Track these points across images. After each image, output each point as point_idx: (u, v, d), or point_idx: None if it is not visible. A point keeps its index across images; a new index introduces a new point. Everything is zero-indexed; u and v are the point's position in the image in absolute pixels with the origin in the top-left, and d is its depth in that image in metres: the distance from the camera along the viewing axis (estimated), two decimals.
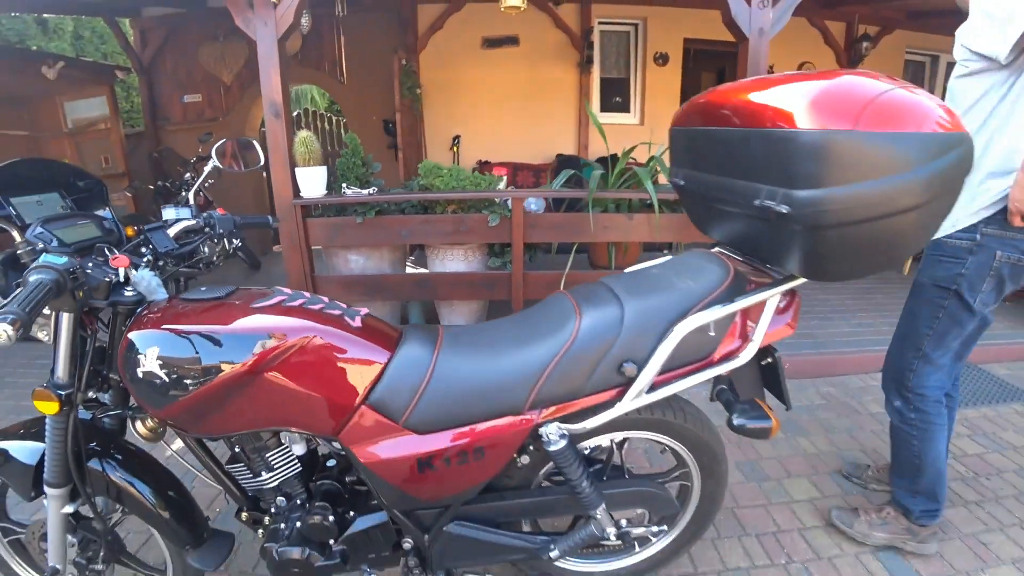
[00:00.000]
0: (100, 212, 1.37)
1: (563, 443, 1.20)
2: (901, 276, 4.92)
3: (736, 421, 1.19)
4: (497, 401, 1.19)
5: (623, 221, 2.73)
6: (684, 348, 1.17)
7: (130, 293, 1.15)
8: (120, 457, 1.31)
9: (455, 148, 5.43)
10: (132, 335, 1.12)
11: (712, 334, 1.16)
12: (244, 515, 1.38)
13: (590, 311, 1.21)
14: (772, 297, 1.15)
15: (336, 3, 4.59)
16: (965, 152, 0.95)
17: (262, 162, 2.02)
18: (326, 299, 1.31)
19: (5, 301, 0.93)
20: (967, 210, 1.57)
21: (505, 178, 4.67)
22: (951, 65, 5.87)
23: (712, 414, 1.50)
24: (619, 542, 1.43)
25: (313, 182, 2.97)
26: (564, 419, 1.22)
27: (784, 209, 0.96)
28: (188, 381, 1.11)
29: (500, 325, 1.35)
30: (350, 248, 3.17)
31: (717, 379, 1.32)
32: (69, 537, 1.35)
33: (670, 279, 1.24)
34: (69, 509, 1.29)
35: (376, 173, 3.28)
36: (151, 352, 1.10)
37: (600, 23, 5.72)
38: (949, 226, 1.61)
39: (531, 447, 1.27)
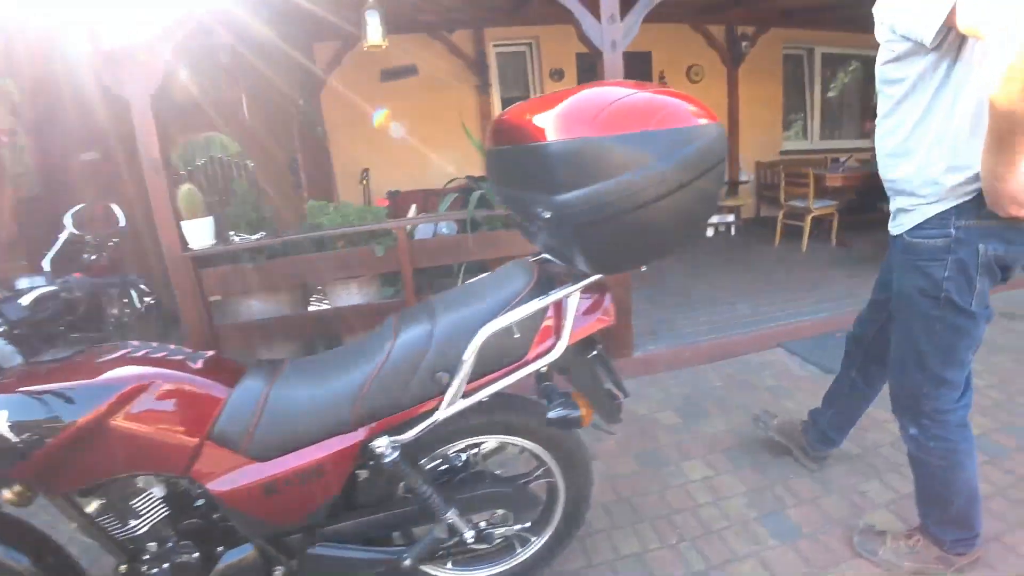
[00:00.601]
0: None
1: (395, 455, 1.29)
2: (802, 253, 5.25)
3: (548, 415, 1.29)
4: (324, 422, 1.28)
5: (505, 236, 2.83)
6: (493, 352, 1.25)
7: None
8: None
9: (364, 182, 5.46)
10: None
11: (517, 336, 1.24)
12: (123, 568, 1.39)
13: (405, 329, 1.31)
14: (572, 295, 1.25)
15: (223, 50, 4.58)
16: (709, 141, 1.08)
17: (122, 223, 2.01)
18: (172, 346, 1.41)
19: None
20: (929, 202, 1.40)
21: (414, 207, 4.72)
22: (825, 56, 6.34)
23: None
24: (484, 544, 1.51)
25: (200, 233, 2.96)
26: (393, 432, 1.30)
27: (547, 215, 1.06)
28: (39, 438, 1.16)
29: (337, 352, 1.43)
30: (248, 294, 3.15)
31: (541, 376, 1.40)
32: None
33: (482, 291, 1.34)
34: None
35: (272, 215, 3.29)
36: (1, 416, 1.14)
37: (495, 45, 5.91)
38: (916, 219, 1.43)
39: (371, 462, 1.32)
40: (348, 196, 5.72)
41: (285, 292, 3.26)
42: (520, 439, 1.46)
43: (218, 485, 1.26)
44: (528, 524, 1.58)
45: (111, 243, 5.01)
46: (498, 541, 1.55)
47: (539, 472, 1.58)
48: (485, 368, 1.27)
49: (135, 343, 1.39)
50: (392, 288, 3.08)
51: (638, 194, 1.04)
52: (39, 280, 1.59)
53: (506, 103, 6.12)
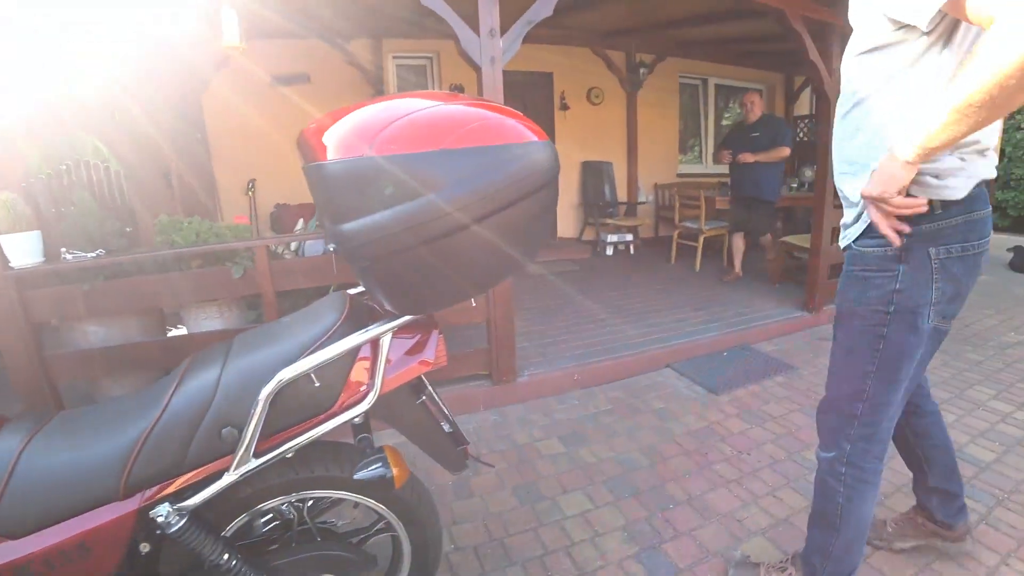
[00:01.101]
0: None
1: (182, 523, 1.08)
2: (695, 272, 5.42)
3: (355, 474, 1.12)
4: (88, 490, 1.06)
5: None
6: (293, 402, 1.07)
7: None
8: None
9: (251, 193, 5.07)
10: None
11: (318, 384, 1.06)
12: None
13: (190, 377, 1.10)
14: (385, 335, 1.08)
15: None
16: (531, 161, 0.94)
17: None
18: None
19: None
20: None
21: (301, 221, 4.40)
22: (719, 87, 6.61)
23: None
24: None
25: (24, 249, 2.55)
26: (176, 497, 1.09)
27: (331, 247, 0.90)
28: None
29: (113, 403, 1.20)
30: (85, 319, 2.75)
31: (359, 427, 1.23)
32: None
33: (284, 330, 1.15)
34: None
35: (119, 229, 2.91)
36: None
37: (395, 57, 5.74)
38: (862, 227, 1.31)
39: (156, 531, 1.10)
40: (233, 209, 5.30)
41: (134, 316, 2.88)
42: (347, 493, 1.27)
43: None
44: None
45: None
46: None
47: (380, 526, 1.40)
48: (284, 421, 1.08)
49: None
50: (255, 312, 2.80)
51: (437, 223, 0.89)
52: None
53: None
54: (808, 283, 4.24)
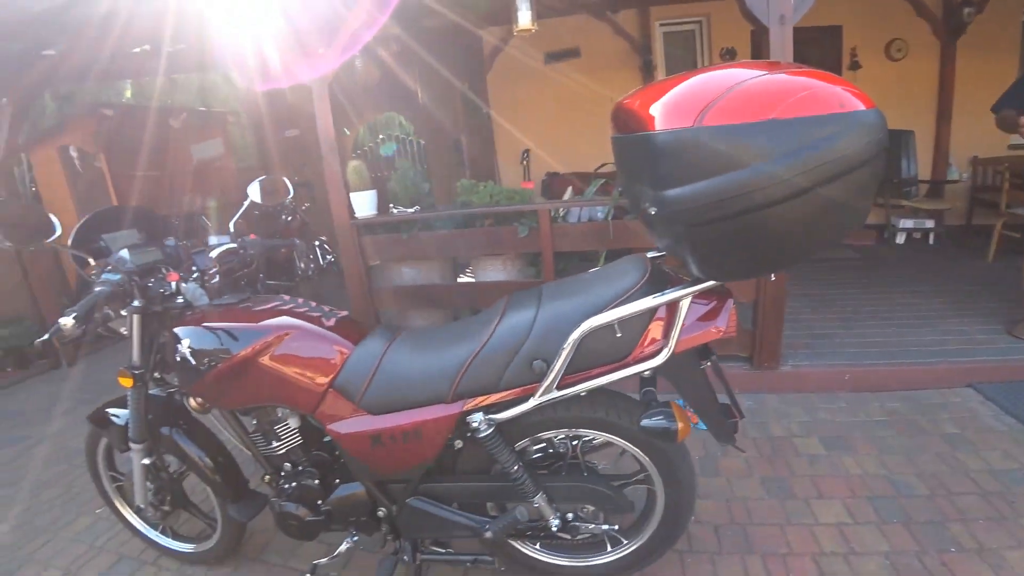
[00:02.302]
0: (167, 241, 1.82)
1: (489, 431, 1.34)
2: (1022, 275, 4.26)
3: (641, 421, 1.22)
4: (427, 390, 1.37)
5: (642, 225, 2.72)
6: (594, 348, 1.22)
7: (180, 300, 1.61)
8: (185, 426, 1.77)
9: (525, 162, 5.60)
10: (175, 330, 1.53)
11: (619, 335, 1.18)
12: (267, 478, 1.71)
13: (510, 314, 1.33)
14: (684, 299, 1.15)
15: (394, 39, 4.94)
16: (860, 131, 0.92)
17: (290, 195, 2.33)
18: (314, 303, 1.65)
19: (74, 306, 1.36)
20: None
21: (571, 189, 4.72)
22: None
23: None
24: (569, 535, 1.52)
25: (364, 204, 3.29)
26: (489, 410, 1.34)
27: (652, 211, 0.99)
28: (205, 364, 1.47)
29: (449, 327, 1.51)
30: (401, 262, 3.44)
31: (645, 380, 1.33)
32: (148, 484, 1.84)
33: (590, 283, 1.30)
34: (146, 461, 1.76)
35: (430, 190, 3.54)
36: (184, 342, 1.49)
37: (661, 24, 5.62)
38: None
39: (468, 433, 1.38)
40: (509, 176, 5.92)
41: (436, 263, 3.51)
42: (620, 439, 1.41)
43: (335, 428, 1.45)
44: (617, 527, 1.54)
45: (304, 207, 5.78)
46: (585, 535, 1.55)
47: (639, 477, 1.52)
48: (584, 363, 1.25)
49: (286, 297, 1.66)
50: (534, 268, 3.17)
51: (760, 193, 0.92)
52: (224, 239, 1.99)
53: None
54: None
